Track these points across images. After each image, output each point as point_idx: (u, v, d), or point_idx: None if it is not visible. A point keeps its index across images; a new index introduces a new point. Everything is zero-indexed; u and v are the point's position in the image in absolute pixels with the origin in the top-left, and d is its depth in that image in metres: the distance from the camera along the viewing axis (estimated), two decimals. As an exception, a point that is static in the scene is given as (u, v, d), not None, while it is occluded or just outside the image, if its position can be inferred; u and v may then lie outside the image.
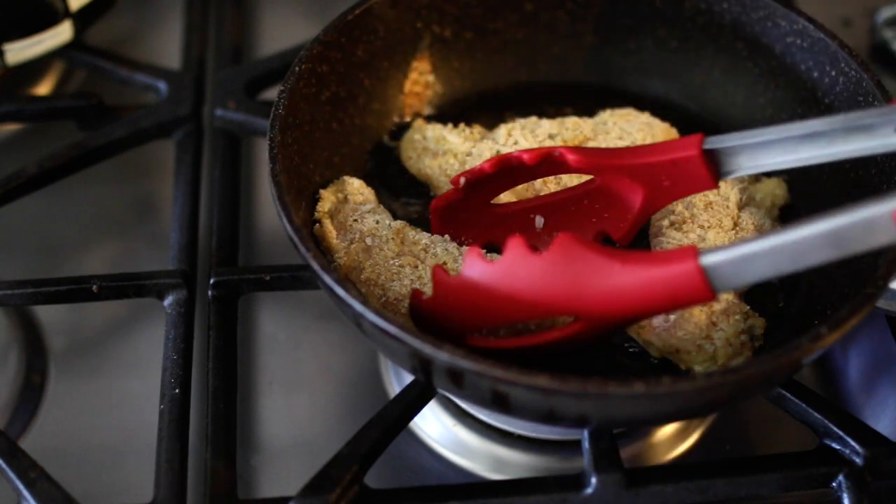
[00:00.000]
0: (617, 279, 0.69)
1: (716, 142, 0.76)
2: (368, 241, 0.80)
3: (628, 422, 0.80)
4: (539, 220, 0.83)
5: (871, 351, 0.89)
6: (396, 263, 0.79)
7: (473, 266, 0.71)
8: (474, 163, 0.87)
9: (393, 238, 0.81)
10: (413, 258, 0.80)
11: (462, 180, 0.80)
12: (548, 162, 0.79)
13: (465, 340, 0.73)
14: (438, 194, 0.89)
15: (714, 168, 0.76)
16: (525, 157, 0.78)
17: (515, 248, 0.70)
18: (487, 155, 0.87)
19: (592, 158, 0.78)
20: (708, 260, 0.67)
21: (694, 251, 0.68)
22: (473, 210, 0.82)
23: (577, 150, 0.79)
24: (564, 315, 0.72)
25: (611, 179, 0.79)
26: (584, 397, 0.67)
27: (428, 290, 0.76)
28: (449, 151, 0.89)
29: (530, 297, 0.70)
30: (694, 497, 0.74)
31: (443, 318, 0.73)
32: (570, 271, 0.69)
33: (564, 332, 0.72)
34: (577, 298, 0.70)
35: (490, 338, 0.75)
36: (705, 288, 0.68)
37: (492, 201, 0.83)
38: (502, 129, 0.89)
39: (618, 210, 0.81)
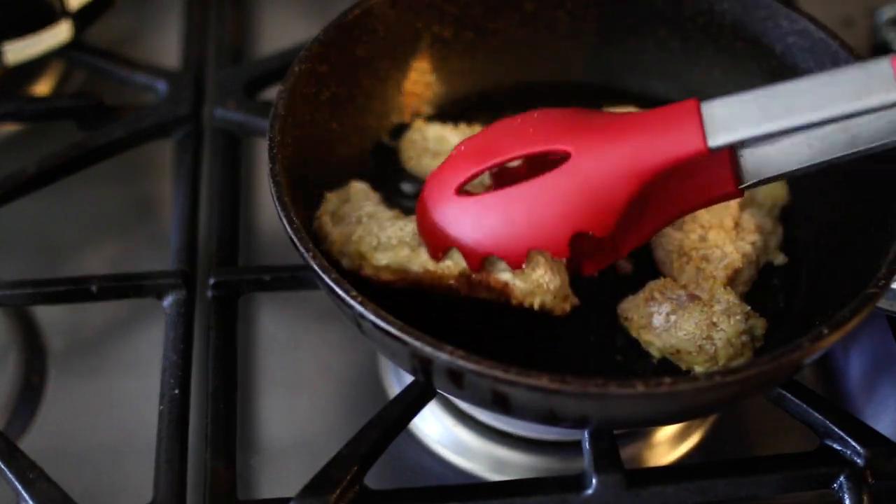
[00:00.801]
0: (617, 116, 0.72)
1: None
2: (365, 220, 0.80)
3: (629, 422, 0.80)
4: None
5: (871, 351, 0.89)
6: (388, 223, 0.79)
7: (497, 122, 0.76)
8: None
9: (390, 219, 0.80)
10: (406, 218, 0.80)
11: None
12: None
13: (459, 195, 0.74)
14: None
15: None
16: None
17: (538, 110, 0.75)
18: (488, 155, 0.87)
19: None
20: (706, 105, 0.69)
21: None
22: None
23: None
24: (560, 148, 0.71)
25: None
26: (585, 397, 0.67)
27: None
28: (449, 151, 0.88)
29: (532, 133, 0.72)
30: (694, 498, 0.74)
31: (448, 169, 0.75)
32: (577, 115, 0.73)
33: (557, 170, 0.71)
34: (577, 130, 0.71)
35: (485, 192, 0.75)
36: (699, 131, 0.68)
37: None
38: (502, 129, 0.89)
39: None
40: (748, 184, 0.74)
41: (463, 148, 0.75)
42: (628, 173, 0.70)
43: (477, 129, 0.91)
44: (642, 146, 0.70)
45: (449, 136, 0.89)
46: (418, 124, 0.92)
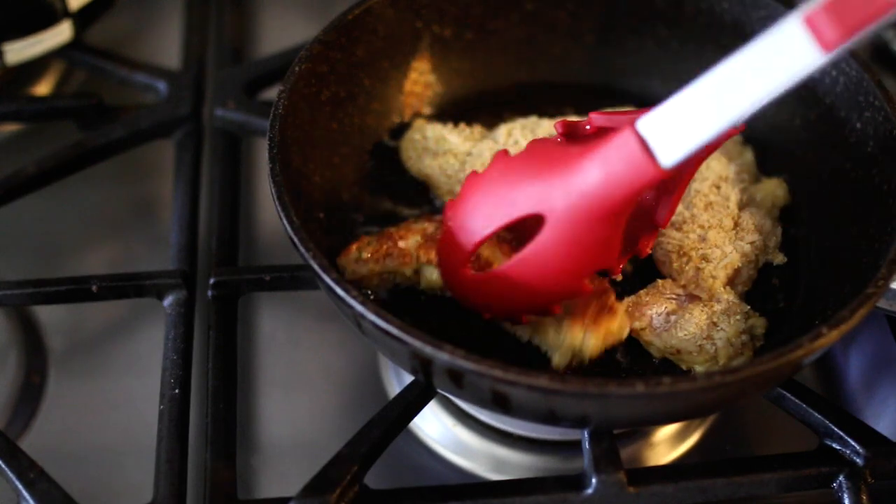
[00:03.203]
0: (572, 161, 0.69)
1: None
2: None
3: (629, 422, 0.80)
4: None
5: (871, 351, 0.89)
6: None
7: (471, 181, 0.75)
8: (474, 163, 0.87)
9: None
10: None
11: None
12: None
13: (466, 275, 0.75)
14: (439, 194, 0.89)
15: None
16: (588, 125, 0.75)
17: (499, 156, 0.74)
18: (487, 155, 0.87)
19: None
20: (642, 122, 0.66)
21: (633, 118, 0.67)
22: None
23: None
24: (536, 212, 0.71)
25: None
26: (585, 397, 0.67)
27: None
28: (449, 151, 0.89)
29: (511, 197, 0.71)
30: (694, 497, 0.74)
31: (448, 252, 0.75)
32: (537, 162, 0.71)
33: (537, 240, 0.71)
34: (543, 188, 0.70)
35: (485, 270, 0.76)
36: (646, 157, 0.65)
37: None
38: (502, 129, 0.90)
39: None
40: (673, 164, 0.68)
41: (452, 224, 0.75)
42: (603, 217, 0.69)
43: (477, 129, 0.91)
44: (605, 192, 0.68)
45: (449, 136, 0.90)
46: (418, 124, 0.92)
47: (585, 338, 0.76)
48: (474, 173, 0.75)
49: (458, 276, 0.76)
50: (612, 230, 0.71)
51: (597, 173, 0.68)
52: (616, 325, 0.77)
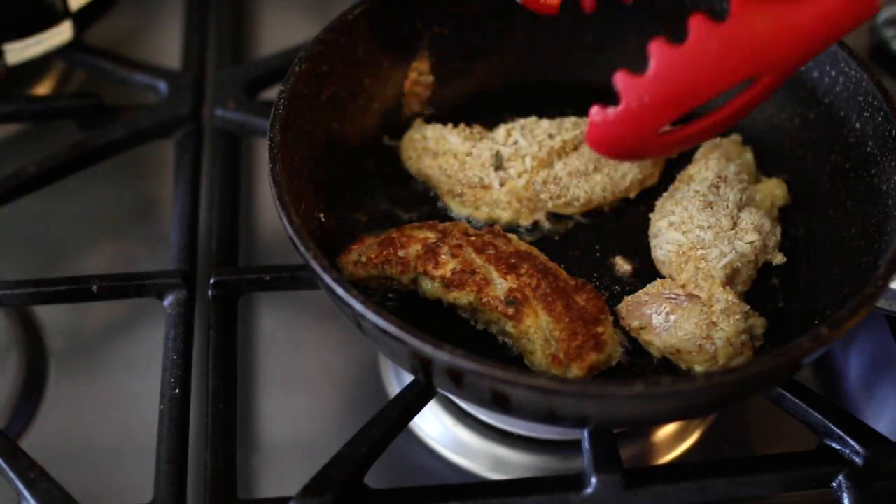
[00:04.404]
0: (795, 13, 0.70)
1: None
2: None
3: (628, 422, 0.80)
4: None
5: (871, 351, 0.89)
6: None
7: (661, 55, 0.71)
8: (474, 163, 0.87)
9: None
10: None
11: None
12: None
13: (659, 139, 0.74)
14: (439, 194, 0.89)
15: None
16: None
17: (698, 23, 0.70)
18: (487, 155, 0.87)
19: None
20: None
21: None
22: None
23: None
24: (760, 72, 0.72)
25: None
26: (584, 398, 0.67)
27: None
28: (449, 151, 0.89)
29: (727, 65, 0.71)
30: (694, 497, 0.74)
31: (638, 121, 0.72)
32: (755, 23, 0.70)
33: (756, 90, 0.73)
34: (767, 47, 0.70)
35: (683, 127, 0.76)
36: None
37: None
38: (502, 129, 0.89)
39: None
40: None
41: (642, 98, 0.71)
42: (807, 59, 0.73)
43: (477, 129, 0.91)
44: (824, 31, 0.71)
45: (449, 136, 0.89)
46: (418, 124, 0.92)
47: (570, 369, 0.75)
48: (666, 46, 0.70)
49: (649, 142, 0.74)
50: None
51: (824, 20, 0.70)
52: (604, 357, 0.76)
